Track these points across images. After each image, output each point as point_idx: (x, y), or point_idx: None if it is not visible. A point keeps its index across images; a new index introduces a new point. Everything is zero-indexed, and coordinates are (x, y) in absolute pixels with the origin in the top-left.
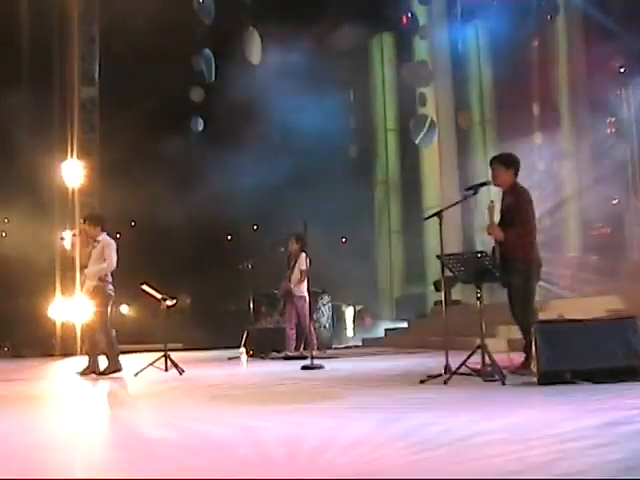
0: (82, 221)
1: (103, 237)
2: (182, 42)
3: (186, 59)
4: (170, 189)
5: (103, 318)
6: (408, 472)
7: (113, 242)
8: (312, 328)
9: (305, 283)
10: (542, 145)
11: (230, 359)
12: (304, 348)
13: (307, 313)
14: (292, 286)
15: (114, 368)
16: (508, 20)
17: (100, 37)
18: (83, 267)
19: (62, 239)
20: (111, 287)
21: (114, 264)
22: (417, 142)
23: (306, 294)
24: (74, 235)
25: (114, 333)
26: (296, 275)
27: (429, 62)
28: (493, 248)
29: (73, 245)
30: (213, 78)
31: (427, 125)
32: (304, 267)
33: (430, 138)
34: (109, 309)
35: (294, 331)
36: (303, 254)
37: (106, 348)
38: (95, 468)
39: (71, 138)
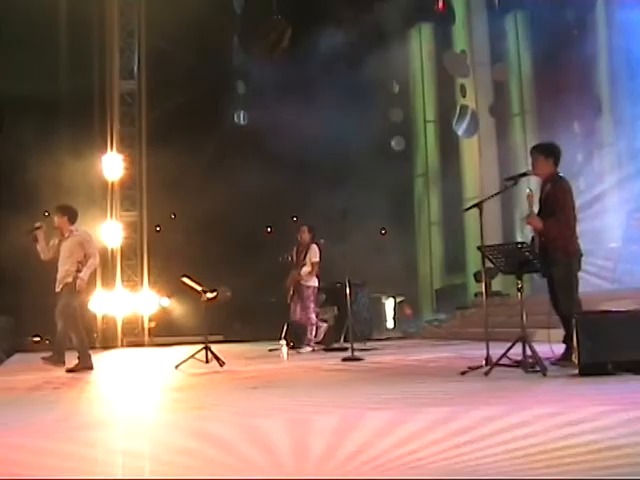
0: (46, 213)
1: (77, 230)
2: (221, 34)
3: (227, 51)
4: (210, 181)
5: (74, 314)
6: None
7: (90, 234)
8: (316, 322)
9: (314, 273)
10: (582, 135)
11: (270, 351)
12: (345, 339)
13: (311, 305)
14: (302, 277)
15: (83, 366)
16: (547, 9)
17: (139, 30)
18: (49, 260)
19: (39, 228)
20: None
21: (98, 256)
22: (459, 133)
23: (315, 285)
24: (38, 227)
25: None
26: (307, 266)
27: (468, 52)
28: (532, 238)
29: (35, 238)
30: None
31: (469, 116)
32: (316, 259)
33: (472, 129)
34: (76, 302)
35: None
36: (314, 245)
37: (76, 345)
38: (132, 464)
39: (111, 131)
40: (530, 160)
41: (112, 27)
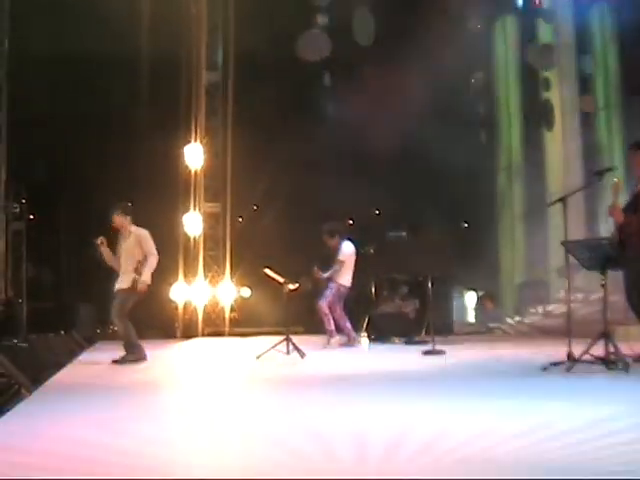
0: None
1: (135, 229)
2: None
3: (309, 44)
4: (292, 173)
5: (124, 307)
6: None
7: (147, 231)
8: (335, 316)
9: (342, 272)
10: None
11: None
12: (426, 333)
13: (329, 297)
14: (326, 275)
15: (130, 359)
16: (636, 0)
17: (224, 22)
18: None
19: (101, 243)
20: (148, 282)
21: (156, 254)
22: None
23: (342, 283)
24: (100, 243)
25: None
26: (335, 266)
27: (553, 45)
28: (613, 232)
29: (100, 253)
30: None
31: (545, 108)
32: (340, 257)
33: (547, 120)
34: (131, 302)
35: (344, 319)
36: (343, 244)
37: (122, 337)
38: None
39: (195, 122)
40: (628, 156)
41: (198, 18)
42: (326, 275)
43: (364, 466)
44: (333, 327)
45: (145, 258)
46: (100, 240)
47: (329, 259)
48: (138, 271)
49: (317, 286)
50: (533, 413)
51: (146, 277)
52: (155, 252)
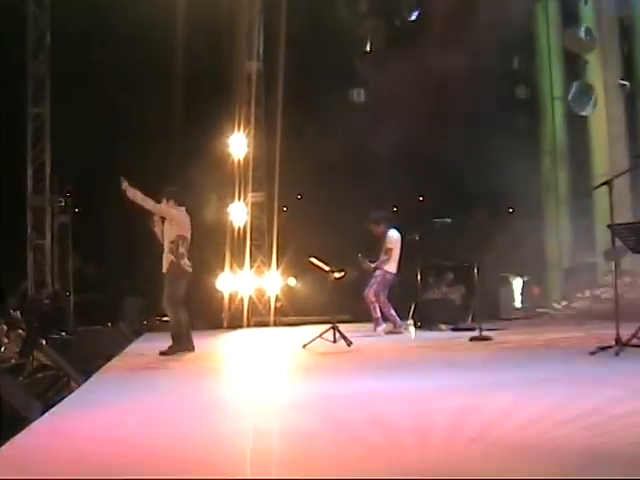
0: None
1: (177, 210)
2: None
3: (351, 31)
4: (335, 162)
5: (173, 295)
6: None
7: (187, 216)
8: (375, 303)
9: (390, 260)
10: None
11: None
12: (472, 319)
13: (375, 286)
14: (376, 264)
15: (177, 349)
16: None
17: (264, 10)
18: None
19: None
20: (187, 262)
21: (183, 233)
22: (573, 108)
23: (388, 270)
24: (152, 221)
25: (185, 315)
26: (383, 255)
27: (594, 28)
28: None
29: (153, 224)
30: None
31: (583, 90)
32: (388, 245)
33: (584, 104)
34: (182, 287)
35: (388, 307)
36: (390, 232)
37: (171, 327)
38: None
39: (239, 112)
40: None
41: (239, 8)
42: (374, 265)
43: (427, 450)
44: (379, 315)
45: (177, 237)
46: (156, 217)
47: (373, 247)
48: (173, 252)
49: (363, 274)
50: (583, 398)
51: (133, 193)
52: (184, 232)
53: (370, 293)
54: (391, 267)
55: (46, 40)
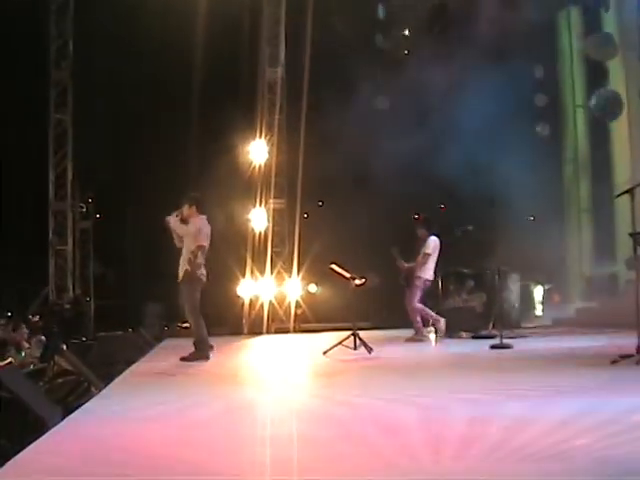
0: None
1: (198, 219)
2: (365, 22)
3: (369, 37)
4: (355, 169)
5: (191, 304)
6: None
7: (205, 224)
8: (417, 310)
9: (427, 265)
10: None
11: (407, 341)
12: (493, 327)
13: (417, 293)
14: (406, 268)
15: (198, 356)
16: None
17: (287, 18)
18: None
19: (177, 216)
20: (202, 272)
21: (204, 243)
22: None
23: (424, 276)
24: (176, 216)
25: (202, 320)
26: (419, 258)
27: (616, 35)
28: None
29: (169, 225)
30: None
31: (609, 99)
32: (426, 250)
33: (610, 112)
34: (198, 294)
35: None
36: (430, 238)
37: (193, 334)
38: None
39: (261, 118)
40: None
41: (262, 15)
42: (407, 265)
43: (440, 459)
44: (421, 324)
45: (197, 248)
46: (177, 213)
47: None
48: (191, 262)
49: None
50: (603, 407)
51: (191, 265)
52: (204, 242)
53: (414, 303)
54: (429, 274)
55: (69, 48)
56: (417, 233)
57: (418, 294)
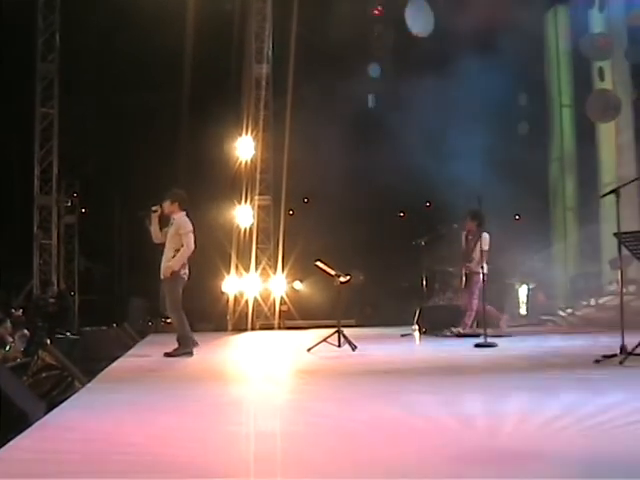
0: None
1: (179, 216)
2: (359, 17)
3: (363, 33)
4: (342, 166)
5: (174, 300)
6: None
7: (189, 224)
8: (477, 309)
9: (483, 262)
10: None
11: (403, 336)
12: (477, 326)
13: (476, 291)
14: (472, 267)
15: (182, 352)
16: None
17: (274, 14)
18: (159, 238)
19: (155, 212)
20: (185, 271)
21: (192, 247)
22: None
23: (481, 271)
24: (154, 211)
25: (184, 316)
26: (477, 255)
27: (607, 35)
28: None
29: (149, 221)
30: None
31: (608, 101)
32: (485, 247)
33: (608, 114)
34: (180, 291)
35: (473, 311)
36: (485, 234)
37: (177, 330)
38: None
39: (247, 114)
40: None
41: (249, 12)
42: (473, 266)
43: (426, 455)
44: (470, 321)
45: (186, 251)
46: (155, 208)
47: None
48: (174, 260)
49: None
50: (584, 406)
51: (173, 263)
52: (191, 244)
53: (474, 302)
54: (485, 269)
55: (55, 41)
56: (467, 227)
57: (478, 292)
